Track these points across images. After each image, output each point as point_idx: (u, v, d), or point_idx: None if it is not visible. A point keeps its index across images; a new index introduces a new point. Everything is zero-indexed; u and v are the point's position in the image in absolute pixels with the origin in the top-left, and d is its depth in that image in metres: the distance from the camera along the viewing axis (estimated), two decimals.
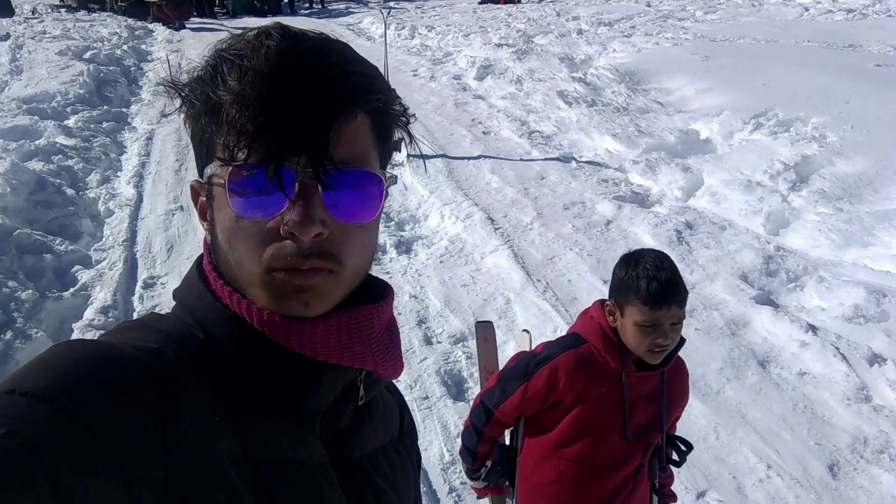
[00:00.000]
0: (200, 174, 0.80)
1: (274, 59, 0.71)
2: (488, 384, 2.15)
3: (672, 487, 2.25)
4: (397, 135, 0.85)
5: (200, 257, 0.86)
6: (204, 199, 0.82)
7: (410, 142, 0.88)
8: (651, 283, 1.81)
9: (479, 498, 2.48)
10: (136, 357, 0.70)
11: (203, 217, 0.83)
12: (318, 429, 0.83)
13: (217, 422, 0.72)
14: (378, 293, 0.88)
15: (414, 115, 0.87)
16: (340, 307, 0.80)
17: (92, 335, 4.25)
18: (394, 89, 0.83)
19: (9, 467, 0.54)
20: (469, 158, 7.73)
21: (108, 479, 0.60)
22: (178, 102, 0.78)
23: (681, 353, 2.03)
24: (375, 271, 3.45)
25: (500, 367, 2.49)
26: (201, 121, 0.75)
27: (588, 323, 2.01)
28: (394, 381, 0.98)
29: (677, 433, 2.20)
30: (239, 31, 0.79)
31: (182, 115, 0.79)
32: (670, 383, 2.01)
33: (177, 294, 0.85)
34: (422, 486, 3.24)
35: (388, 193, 0.83)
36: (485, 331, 2.73)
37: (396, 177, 0.84)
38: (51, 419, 0.59)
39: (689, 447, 2.10)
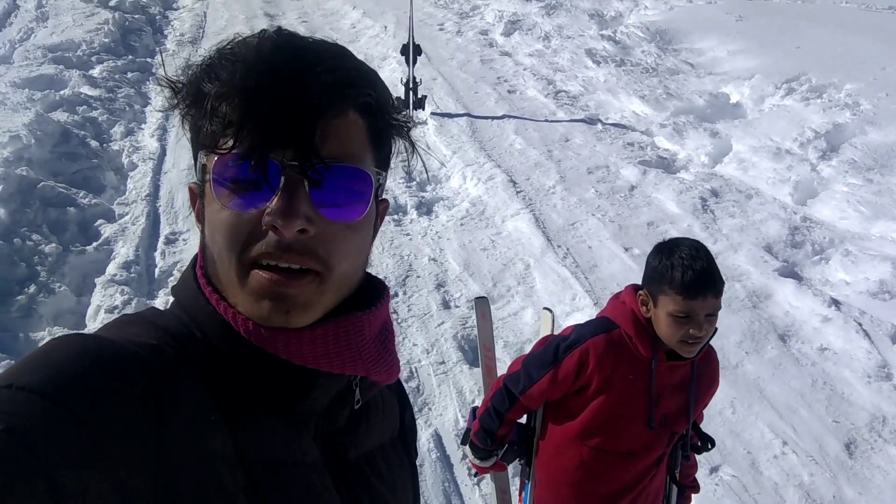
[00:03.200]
0: (197, 173, 0.79)
1: (265, 53, 0.71)
2: (512, 368, 2.11)
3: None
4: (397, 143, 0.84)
5: (196, 257, 0.85)
6: (199, 200, 0.81)
7: (413, 151, 0.86)
8: (686, 272, 1.76)
9: (477, 474, 2.44)
10: (134, 353, 0.70)
11: (199, 219, 0.82)
12: (313, 430, 0.83)
13: (211, 421, 0.72)
14: (372, 294, 0.86)
15: (419, 120, 0.85)
16: (330, 314, 0.79)
17: (114, 290, 4.29)
18: (391, 93, 0.82)
19: (5, 463, 0.55)
20: (493, 118, 7.64)
21: (102, 477, 0.60)
22: (174, 100, 0.77)
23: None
24: (395, 233, 3.43)
25: (505, 340, 2.46)
26: (193, 115, 0.75)
27: (620, 308, 1.97)
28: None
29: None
30: None
31: (180, 113, 0.78)
32: (700, 373, 1.97)
33: (174, 292, 0.85)
34: (436, 451, 3.27)
35: (385, 197, 0.83)
36: (482, 306, 2.70)
37: (385, 175, 0.82)
38: (47, 415, 0.59)
39: (712, 444, 2.09)
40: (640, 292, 1.92)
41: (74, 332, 0.70)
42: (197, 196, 0.81)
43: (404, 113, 0.83)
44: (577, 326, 2.03)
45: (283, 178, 0.70)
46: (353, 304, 0.81)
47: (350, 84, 0.74)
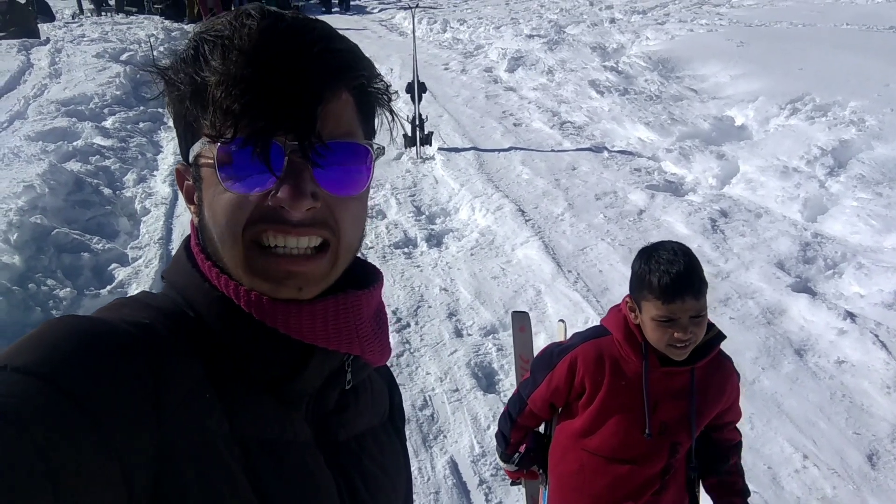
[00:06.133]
0: (185, 157, 0.81)
1: (256, 38, 0.72)
2: (527, 374, 2.17)
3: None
4: (379, 114, 0.86)
5: (188, 238, 0.86)
6: (190, 182, 0.82)
7: (392, 120, 0.88)
8: (663, 276, 1.77)
9: (512, 481, 2.50)
10: (128, 332, 0.70)
11: (190, 200, 0.83)
12: (304, 410, 0.84)
13: (207, 399, 0.73)
14: (367, 279, 0.88)
15: (396, 92, 0.87)
16: (329, 291, 0.80)
17: None
18: (374, 66, 0.84)
19: (1, 445, 0.55)
20: (500, 151, 7.70)
21: (101, 456, 0.60)
22: (161, 86, 0.78)
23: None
24: (406, 265, 3.47)
25: (531, 354, 2.51)
26: (186, 103, 0.76)
27: (614, 315, 1.99)
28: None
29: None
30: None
31: (166, 99, 0.79)
32: (703, 381, 1.92)
33: (166, 275, 0.86)
34: (452, 478, 3.25)
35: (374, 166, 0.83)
36: (521, 320, 2.79)
37: (384, 147, 0.84)
38: (43, 395, 0.59)
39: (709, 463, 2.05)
40: (627, 298, 1.93)
41: (69, 314, 0.71)
42: (186, 178, 0.83)
43: (387, 85, 0.85)
44: (576, 333, 2.06)
45: (286, 160, 0.72)
46: (349, 285, 0.83)
47: (345, 67, 0.76)
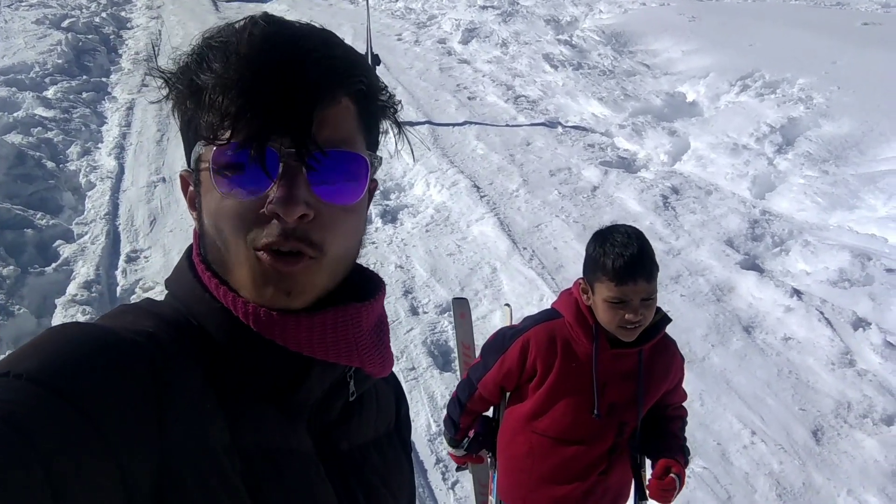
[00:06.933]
0: (189, 161, 0.80)
1: (258, 43, 0.72)
2: (477, 359, 2.17)
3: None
4: (384, 125, 0.86)
5: (190, 247, 0.86)
6: (192, 188, 0.81)
7: (399, 132, 0.88)
8: (617, 259, 1.81)
9: (457, 467, 2.51)
10: (131, 340, 0.70)
11: (192, 206, 0.83)
12: (307, 421, 0.83)
13: (209, 409, 0.73)
14: (369, 288, 0.87)
15: (400, 101, 0.86)
16: (328, 303, 0.80)
17: (75, 310, 4.21)
18: (378, 76, 0.83)
19: (2, 451, 0.54)
20: (454, 125, 7.67)
21: (102, 462, 0.60)
22: (165, 91, 0.78)
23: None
24: None
25: (476, 342, 2.52)
26: (187, 105, 0.76)
27: (566, 299, 2.02)
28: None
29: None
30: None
31: (171, 104, 0.79)
32: (649, 363, 1.98)
33: (168, 285, 0.85)
34: None
35: (375, 177, 0.83)
36: (461, 307, 2.82)
37: (381, 158, 0.83)
38: (45, 402, 0.59)
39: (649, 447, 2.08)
40: (580, 281, 1.96)
41: (72, 321, 0.71)
42: (189, 184, 0.83)
43: (391, 95, 0.84)
44: (527, 317, 2.08)
45: (281, 166, 0.71)
46: (350, 296, 0.83)
47: (343, 72, 0.75)
